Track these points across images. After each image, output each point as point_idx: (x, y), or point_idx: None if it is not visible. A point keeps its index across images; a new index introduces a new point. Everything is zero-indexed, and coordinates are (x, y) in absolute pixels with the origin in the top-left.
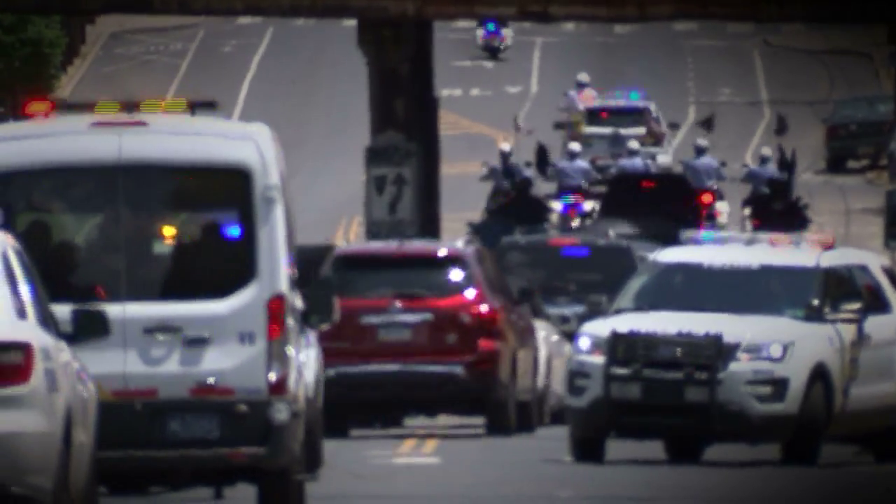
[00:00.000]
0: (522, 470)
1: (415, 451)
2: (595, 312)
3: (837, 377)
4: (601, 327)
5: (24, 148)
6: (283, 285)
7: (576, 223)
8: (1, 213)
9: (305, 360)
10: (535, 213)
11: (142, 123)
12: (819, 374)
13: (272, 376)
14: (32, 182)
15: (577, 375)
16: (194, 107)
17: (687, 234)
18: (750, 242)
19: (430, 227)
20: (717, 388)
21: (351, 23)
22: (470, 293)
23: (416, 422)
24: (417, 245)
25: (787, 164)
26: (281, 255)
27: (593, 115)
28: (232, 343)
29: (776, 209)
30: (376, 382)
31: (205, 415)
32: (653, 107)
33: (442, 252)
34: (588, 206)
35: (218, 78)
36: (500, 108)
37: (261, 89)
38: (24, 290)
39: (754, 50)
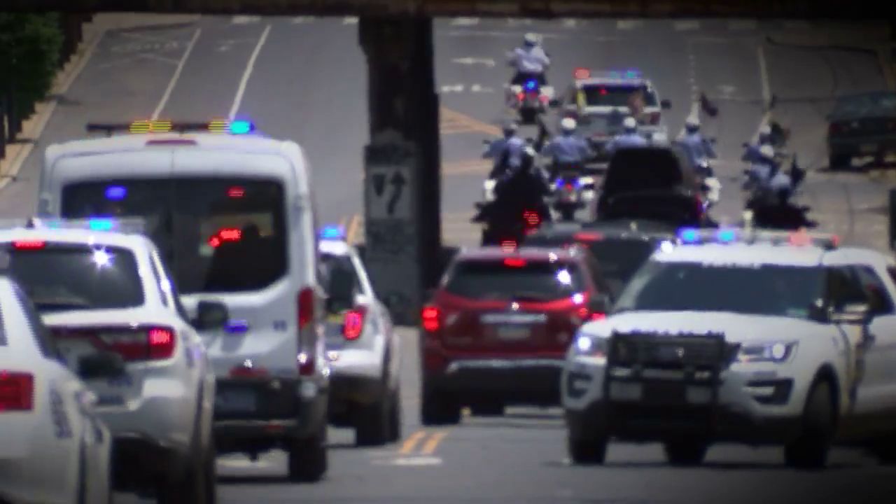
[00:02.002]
0: (523, 471)
1: (415, 453)
2: (597, 311)
3: (843, 379)
4: (602, 328)
5: (90, 162)
6: (311, 280)
7: (573, 197)
8: (143, 220)
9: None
10: (535, 190)
11: (191, 142)
12: (824, 375)
13: (301, 358)
14: (98, 191)
15: (576, 377)
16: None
17: (687, 233)
18: (752, 241)
19: (429, 226)
20: (718, 388)
21: (349, 21)
22: (579, 297)
23: (521, 410)
24: (531, 251)
25: (796, 172)
26: (308, 254)
27: (592, 94)
28: (267, 330)
29: (777, 212)
30: (495, 375)
31: (243, 392)
32: (649, 85)
33: (553, 258)
34: (583, 181)
35: (215, 77)
36: (501, 106)
37: (258, 89)
38: (165, 283)
39: (757, 47)
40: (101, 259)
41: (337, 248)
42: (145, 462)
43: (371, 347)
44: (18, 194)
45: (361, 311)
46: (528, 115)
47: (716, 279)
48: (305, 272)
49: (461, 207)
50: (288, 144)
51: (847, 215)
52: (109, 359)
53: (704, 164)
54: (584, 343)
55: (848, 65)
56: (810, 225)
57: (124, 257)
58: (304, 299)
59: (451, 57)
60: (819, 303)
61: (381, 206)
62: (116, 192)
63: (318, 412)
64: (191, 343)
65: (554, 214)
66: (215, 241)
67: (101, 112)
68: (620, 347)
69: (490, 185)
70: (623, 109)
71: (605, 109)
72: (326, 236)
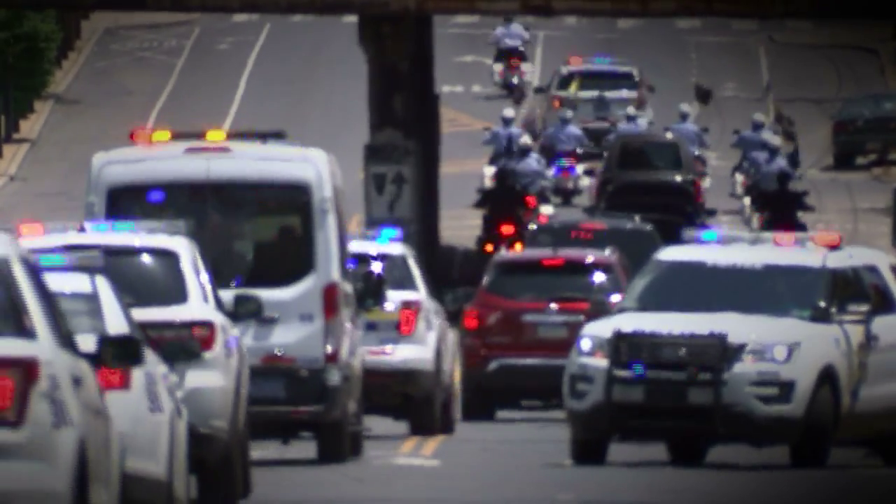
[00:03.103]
0: (523, 473)
1: (415, 454)
2: (599, 312)
3: (845, 379)
4: (603, 328)
5: (133, 169)
6: (336, 275)
7: (570, 184)
8: (184, 223)
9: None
10: (513, 202)
11: (226, 150)
12: (826, 376)
13: (327, 348)
14: (140, 195)
15: (578, 378)
16: (266, 136)
17: (688, 233)
18: (755, 242)
19: (429, 226)
20: (721, 389)
21: (349, 19)
22: (615, 297)
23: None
24: (568, 252)
25: (795, 160)
26: (333, 252)
27: (579, 79)
28: (295, 322)
29: (776, 197)
30: (536, 372)
31: (273, 379)
32: (635, 71)
33: (590, 259)
34: (580, 168)
35: (214, 76)
36: (501, 105)
37: (258, 87)
38: (205, 280)
39: (759, 46)
40: (147, 260)
41: (393, 248)
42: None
43: (424, 343)
44: (16, 193)
45: (415, 308)
46: (510, 91)
47: (718, 279)
48: (330, 269)
49: (461, 207)
50: (315, 151)
51: (851, 215)
52: (190, 345)
53: (697, 153)
54: (585, 344)
55: (851, 64)
56: (808, 209)
57: (168, 258)
58: (329, 294)
59: (451, 56)
60: (822, 303)
61: (382, 205)
62: (156, 195)
63: (343, 398)
64: (229, 335)
65: (553, 199)
66: (248, 241)
67: (99, 111)
68: (622, 348)
69: (490, 171)
70: (610, 95)
71: (592, 94)
72: (383, 237)
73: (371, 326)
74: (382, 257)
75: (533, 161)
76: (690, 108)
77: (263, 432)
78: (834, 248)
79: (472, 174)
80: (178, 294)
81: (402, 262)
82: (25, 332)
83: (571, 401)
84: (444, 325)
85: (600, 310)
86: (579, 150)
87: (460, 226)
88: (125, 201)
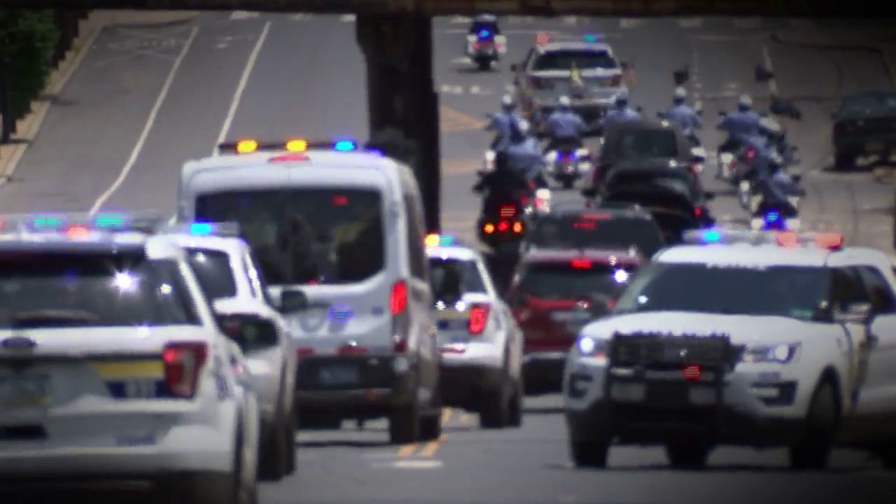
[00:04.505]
0: (524, 474)
1: (416, 455)
2: (599, 312)
3: (846, 380)
4: (603, 328)
5: (220, 176)
6: (404, 273)
7: (570, 169)
8: (236, 226)
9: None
10: (512, 185)
11: (305, 158)
12: (828, 376)
13: (396, 338)
14: (226, 200)
15: (577, 378)
16: (334, 144)
17: (690, 233)
18: (757, 242)
19: (428, 224)
20: (723, 390)
21: (349, 18)
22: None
23: None
24: (594, 253)
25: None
26: (402, 252)
27: (552, 59)
28: (367, 315)
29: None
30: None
31: (347, 366)
32: (609, 50)
33: (613, 259)
34: (580, 153)
35: (213, 75)
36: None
37: (257, 86)
38: (254, 277)
39: (762, 46)
40: (201, 259)
41: (462, 253)
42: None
43: (493, 341)
44: (14, 194)
45: (484, 308)
46: (483, 62)
47: (720, 280)
48: (399, 267)
49: (461, 206)
50: (385, 160)
51: (852, 215)
52: (267, 329)
53: (688, 133)
54: (585, 344)
55: (853, 64)
56: (800, 193)
57: (220, 258)
58: (398, 289)
59: (450, 56)
60: (823, 304)
61: None
62: (242, 201)
63: (410, 384)
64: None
65: (554, 184)
66: (324, 242)
67: (97, 111)
68: (622, 349)
69: (491, 155)
70: (586, 73)
71: (565, 73)
72: (443, 244)
73: (443, 325)
74: (452, 262)
75: (530, 146)
76: (684, 92)
77: (340, 415)
78: (835, 248)
79: (472, 174)
80: (227, 290)
81: (471, 266)
82: (194, 319)
83: (570, 400)
84: (511, 324)
85: (600, 310)
86: (576, 135)
87: (461, 227)
88: (212, 206)
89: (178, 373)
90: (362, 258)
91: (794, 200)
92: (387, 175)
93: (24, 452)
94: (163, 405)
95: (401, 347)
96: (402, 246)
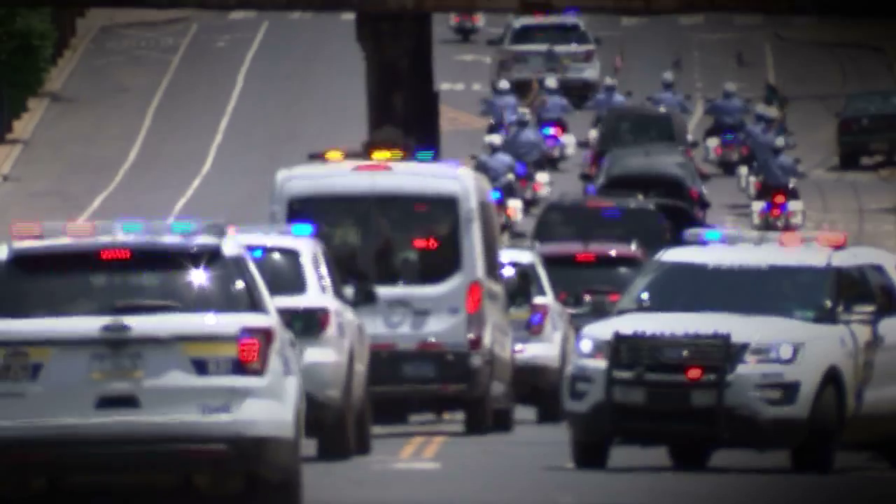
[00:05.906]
0: (524, 476)
1: (415, 457)
2: (599, 312)
3: (850, 380)
4: (603, 329)
5: (310, 183)
6: (479, 275)
7: (556, 153)
8: (313, 227)
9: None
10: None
11: (388, 168)
12: (831, 377)
13: (471, 336)
14: (314, 204)
15: (578, 379)
16: (414, 152)
17: (692, 233)
18: (759, 242)
19: None
20: (725, 391)
21: (348, 16)
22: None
23: None
24: (597, 247)
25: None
26: (477, 255)
27: (527, 33)
28: (444, 314)
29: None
30: None
31: (426, 362)
32: (582, 24)
33: (613, 253)
34: (565, 138)
35: (211, 74)
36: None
37: (255, 85)
38: (325, 273)
39: (765, 43)
40: (275, 257)
41: (523, 257)
42: (307, 412)
43: (551, 341)
44: (10, 194)
45: (543, 310)
46: (464, 34)
47: (722, 280)
48: (475, 269)
49: None
50: (462, 169)
51: (856, 214)
52: (310, 320)
53: None
54: (585, 345)
55: (856, 62)
56: (800, 175)
57: (292, 255)
58: (473, 290)
59: (451, 54)
60: (827, 304)
61: None
62: (330, 206)
63: (484, 379)
64: (344, 319)
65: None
66: (405, 245)
67: (94, 109)
68: (623, 349)
69: (490, 138)
70: (559, 49)
71: (542, 48)
72: None
73: None
74: (513, 265)
75: (531, 132)
76: (673, 76)
77: (420, 407)
78: (839, 248)
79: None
80: (299, 285)
81: (531, 270)
82: (261, 308)
83: (571, 402)
84: (568, 326)
85: (600, 310)
86: (562, 118)
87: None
88: (302, 210)
89: (251, 353)
90: (440, 260)
91: (793, 181)
92: (463, 183)
93: (120, 419)
94: (238, 380)
95: (475, 344)
96: (477, 249)
